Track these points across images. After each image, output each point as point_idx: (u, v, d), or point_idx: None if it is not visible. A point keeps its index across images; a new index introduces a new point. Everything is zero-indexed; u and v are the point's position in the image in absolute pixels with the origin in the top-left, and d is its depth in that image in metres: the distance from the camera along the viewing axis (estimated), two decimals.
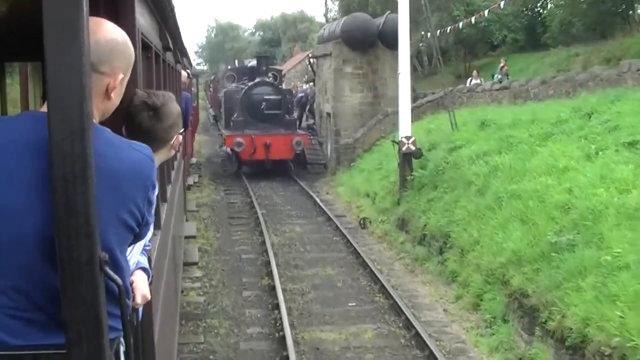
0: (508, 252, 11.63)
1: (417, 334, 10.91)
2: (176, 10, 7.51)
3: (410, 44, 19.89)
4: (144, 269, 2.88)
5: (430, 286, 13.63)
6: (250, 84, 29.50)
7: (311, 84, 37.54)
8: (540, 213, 11.76)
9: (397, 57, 19.69)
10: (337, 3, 57.84)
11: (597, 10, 30.47)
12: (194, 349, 10.64)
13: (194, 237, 15.04)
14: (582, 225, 10.56)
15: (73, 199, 1.81)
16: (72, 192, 1.81)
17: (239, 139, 26.98)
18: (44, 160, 1.93)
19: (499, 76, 27.19)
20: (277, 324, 11.52)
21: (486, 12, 28.42)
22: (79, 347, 1.86)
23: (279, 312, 11.82)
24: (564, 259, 10.15)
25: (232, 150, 27.96)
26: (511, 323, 10.83)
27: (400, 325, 11.57)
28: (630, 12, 31.03)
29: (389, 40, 26.08)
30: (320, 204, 22.07)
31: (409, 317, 11.55)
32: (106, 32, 2.26)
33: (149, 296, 2.80)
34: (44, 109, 1.94)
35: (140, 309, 2.87)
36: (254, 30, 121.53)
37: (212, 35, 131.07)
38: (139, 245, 2.80)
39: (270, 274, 14.24)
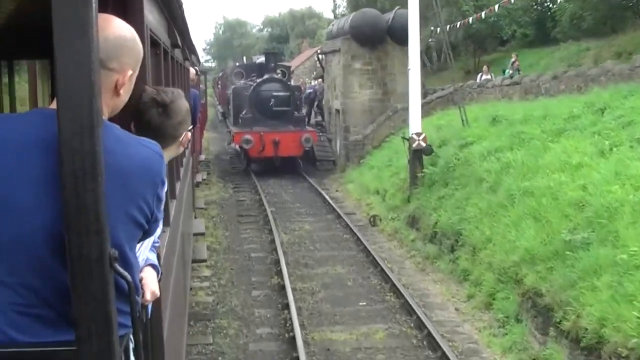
0: (521, 251, 11.46)
1: (429, 334, 10.75)
2: (184, 7, 7.46)
3: (420, 39, 19.71)
4: (153, 266, 2.87)
5: (441, 285, 13.47)
6: (258, 80, 29.37)
7: (320, 80, 37.39)
8: (554, 210, 11.58)
9: (407, 53, 19.55)
10: None
11: (608, 4, 30.20)
12: (203, 350, 10.51)
13: (202, 234, 14.92)
14: (596, 223, 10.37)
15: (83, 195, 1.82)
16: (82, 188, 1.82)
17: (248, 136, 26.85)
18: (53, 157, 1.94)
19: (510, 71, 26.95)
20: (287, 324, 11.37)
21: (496, 6, 28.19)
22: (88, 343, 1.87)
23: (289, 312, 11.67)
24: (578, 258, 9.98)
25: (240, 147, 27.88)
26: (525, 323, 10.66)
27: (412, 325, 11.41)
28: None
29: (398, 35, 25.94)
30: (330, 201, 21.92)
31: (420, 316, 11.39)
32: (115, 28, 2.26)
33: (158, 293, 2.79)
34: (53, 106, 1.96)
35: (150, 306, 2.87)
36: (262, 27, 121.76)
37: (220, 32, 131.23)
38: (148, 242, 2.77)
39: (279, 273, 14.10)
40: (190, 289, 11.57)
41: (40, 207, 2.02)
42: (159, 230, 2.77)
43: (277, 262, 14.98)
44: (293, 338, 10.63)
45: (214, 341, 10.83)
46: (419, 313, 11.53)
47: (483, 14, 29.08)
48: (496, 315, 11.38)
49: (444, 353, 10.00)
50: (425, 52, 37.44)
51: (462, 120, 19.33)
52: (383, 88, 28.05)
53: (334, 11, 63.82)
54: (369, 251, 15.65)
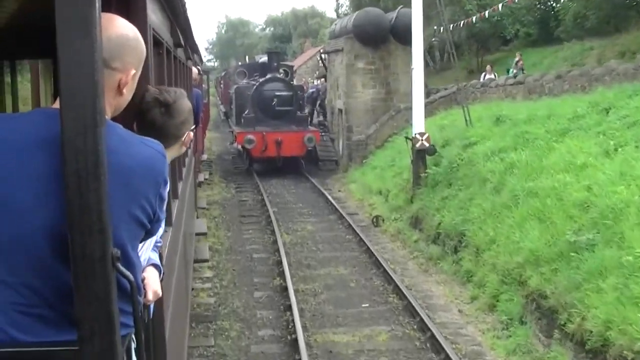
0: (525, 252, 11.37)
1: (433, 336, 10.65)
2: (187, 6, 7.44)
3: (423, 38, 19.61)
4: (155, 266, 2.86)
5: (444, 286, 13.38)
6: (261, 80, 29.26)
7: (322, 79, 37.29)
8: (559, 211, 11.48)
9: (410, 52, 19.47)
10: None
11: (612, 3, 30.08)
12: (204, 352, 10.42)
13: (204, 234, 14.83)
14: (602, 224, 10.28)
15: (86, 195, 1.83)
16: (85, 188, 1.83)
17: (250, 136, 26.76)
18: (55, 156, 1.96)
19: (515, 71, 26.85)
20: (289, 326, 11.28)
21: (500, 5, 28.08)
22: (91, 343, 1.87)
23: (291, 314, 11.58)
24: (583, 259, 9.90)
25: (243, 147, 27.79)
26: (529, 325, 10.58)
27: (415, 327, 11.32)
28: None
29: (402, 35, 25.89)
30: (332, 201, 21.82)
31: (423, 318, 11.30)
32: (118, 28, 2.27)
33: (160, 293, 2.78)
34: (56, 105, 1.99)
35: (152, 306, 2.88)
36: (264, 26, 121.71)
37: (223, 31, 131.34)
38: (150, 241, 2.80)
39: (282, 274, 14.01)
40: (192, 289, 11.50)
41: (40, 207, 2.02)
42: (161, 230, 2.80)
43: (280, 263, 14.88)
44: (295, 340, 10.53)
45: (216, 343, 10.74)
46: (422, 315, 11.44)
47: (487, 13, 28.93)
48: (500, 317, 11.28)
49: (447, 355, 9.90)
50: (428, 51, 37.35)
51: (466, 120, 19.23)
52: (386, 87, 27.96)
53: (336, 10, 63.77)
54: (372, 252, 15.55)
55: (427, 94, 25.69)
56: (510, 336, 10.61)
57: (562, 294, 9.86)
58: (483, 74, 28.67)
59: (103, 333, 1.87)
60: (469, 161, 16.61)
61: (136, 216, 2.19)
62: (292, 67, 35.98)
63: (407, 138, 19.06)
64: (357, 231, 17.60)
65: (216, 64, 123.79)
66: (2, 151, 2.06)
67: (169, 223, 4.85)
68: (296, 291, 12.90)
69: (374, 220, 18.98)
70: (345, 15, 44.47)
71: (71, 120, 1.81)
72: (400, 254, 15.99)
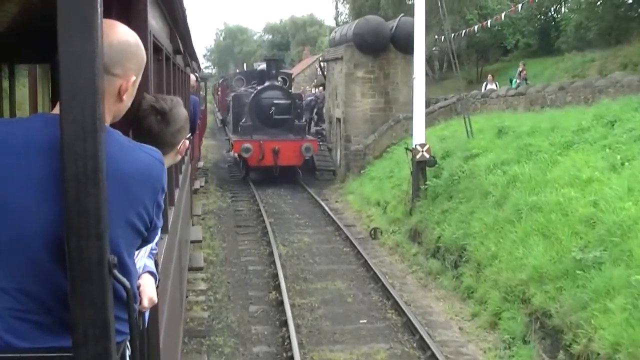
0: (529, 268, 11.04)
1: (433, 355, 10.30)
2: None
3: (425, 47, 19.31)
4: (151, 273, 2.84)
5: (444, 302, 13.02)
6: (259, 87, 28.93)
7: (320, 88, 37.03)
8: (564, 227, 11.16)
9: (410, 62, 19.23)
10: (347, 6, 57.19)
11: (614, 15, 29.92)
12: None
13: (199, 241, 14.49)
14: (609, 241, 9.98)
15: (84, 200, 1.82)
16: (84, 193, 1.82)
17: (247, 145, 26.43)
18: (53, 161, 1.96)
19: (518, 81, 26.58)
20: (285, 343, 10.91)
21: (503, 15, 27.85)
22: (85, 349, 1.85)
23: (287, 330, 11.22)
24: (590, 278, 9.60)
25: (239, 155, 27.46)
26: (532, 344, 10.23)
27: (415, 345, 10.96)
28: None
29: (402, 44, 25.62)
30: (330, 212, 21.46)
31: (423, 336, 10.94)
32: (119, 34, 2.27)
33: (155, 300, 2.76)
34: (56, 111, 2.03)
35: (147, 313, 2.86)
36: (263, 34, 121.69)
37: (221, 38, 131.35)
38: (146, 249, 2.79)
39: (277, 287, 13.64)
40: (186, 296, 11.18)
41: (39, 211, 2.02)
42: (157, 238, 2.77)
43: (275, 275, 14.52)
44: (291, 358, 10.18)
45: None
46: (421, 332, 11.08)
47: (489, 22, 28.69)
48: (502, 335, 10.92)
49: None
50: (427, 61, 37.11)
51: (467, 131, 18.88)
52: (385, 97, 27.64)
53: (335, 18, 63.43)
54: (370, 265, 15.19)
55: (427, 103, 25.39)
56: (513, 356, 10.26)
57: (567, 313, 9.55)
58: (484, 83, 28.44)
59: (98, 339, 1.86)
60: (470, 173, 16.27)
61: (133, 223, 2.19)
62: (290, 74, 35.72)
63: (407, 149, 18.74)
64: (355, 244, 17.24)
65: (214, 71, 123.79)
66: (2, 151, 2.05)
67: (165, 230, 4.90)
68: (292, 306, 12.53)
69: (372, 232, 18.64)
70: (345, 23, 44.22)
71: (71, 124, 1.81)
72: (398, 268, 15.64)
